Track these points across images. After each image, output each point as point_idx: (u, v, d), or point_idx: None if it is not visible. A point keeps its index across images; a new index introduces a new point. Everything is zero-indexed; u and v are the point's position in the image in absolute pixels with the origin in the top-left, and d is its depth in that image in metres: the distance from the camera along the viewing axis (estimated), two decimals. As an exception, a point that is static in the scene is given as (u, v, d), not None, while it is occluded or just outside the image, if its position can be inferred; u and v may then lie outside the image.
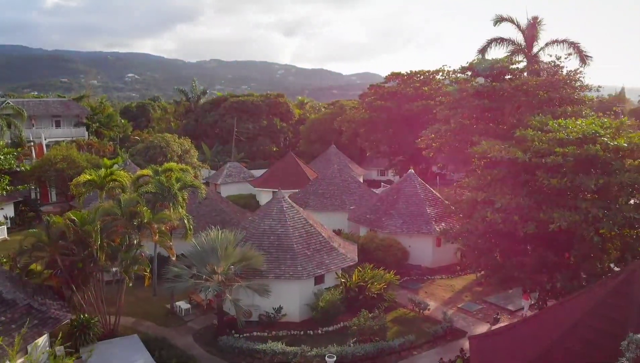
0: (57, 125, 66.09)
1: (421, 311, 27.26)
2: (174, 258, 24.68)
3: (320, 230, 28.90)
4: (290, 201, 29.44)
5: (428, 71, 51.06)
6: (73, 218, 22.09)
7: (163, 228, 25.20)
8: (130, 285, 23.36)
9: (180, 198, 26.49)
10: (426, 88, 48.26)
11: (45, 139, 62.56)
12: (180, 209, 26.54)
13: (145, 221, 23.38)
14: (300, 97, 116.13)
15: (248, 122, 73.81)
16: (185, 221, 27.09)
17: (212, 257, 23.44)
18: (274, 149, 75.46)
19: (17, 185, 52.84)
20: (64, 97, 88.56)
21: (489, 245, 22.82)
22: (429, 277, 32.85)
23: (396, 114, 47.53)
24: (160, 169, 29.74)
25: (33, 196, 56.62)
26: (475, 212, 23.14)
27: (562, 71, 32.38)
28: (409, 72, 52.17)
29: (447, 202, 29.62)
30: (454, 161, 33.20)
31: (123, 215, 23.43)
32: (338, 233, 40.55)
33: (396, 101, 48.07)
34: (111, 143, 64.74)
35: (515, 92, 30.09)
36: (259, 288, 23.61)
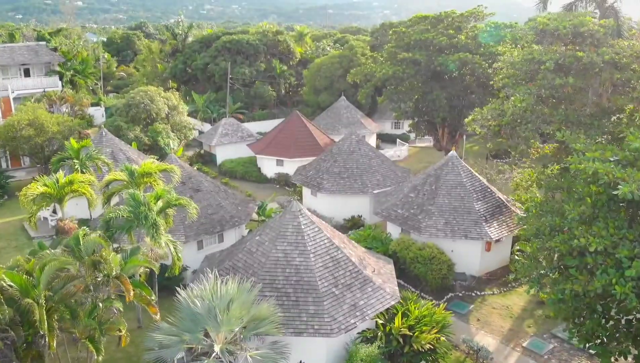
0: (27, 74, 57.28)
1: (481, 360, 21.32)
2: (157, 317, 18.13)
3: (349, 251, 22.26)
4: (308, 213, 22.50)
5: (462, 14, 42.23)
6: (10, 283, 15.27)
7: (140, 273, 18.52)
8: (100, 359, 17.08)
9: (162, 226, 19.51)
10: (463, 36, 39.75)
11: (13, 92, 54.14)
12: (163, 240, 19.64)
13: (113, 274, 16.62)
14: (299, 27, 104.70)
15: (244, 65, 64.76)
16: (172, 249, 20.35)
17: (210, 321, 16.92)
18: (274, 95, 66.97)
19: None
20: (40, 32, 78.31)
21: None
22: (478, 293, 26.72)
23: (425, 68, 39.38)
24: (137, 172, 22.52)
25: (4, 164, 49.42)
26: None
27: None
28: (438, 14, 43.33)
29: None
30: (519, 149, 25.89)
31: (83, 264, 16.65)
32: (358, 220, 34.20)
33: (425, 53, 39.73)
34: (88, 97, 56.21)
35: (608, 66, 22.38)
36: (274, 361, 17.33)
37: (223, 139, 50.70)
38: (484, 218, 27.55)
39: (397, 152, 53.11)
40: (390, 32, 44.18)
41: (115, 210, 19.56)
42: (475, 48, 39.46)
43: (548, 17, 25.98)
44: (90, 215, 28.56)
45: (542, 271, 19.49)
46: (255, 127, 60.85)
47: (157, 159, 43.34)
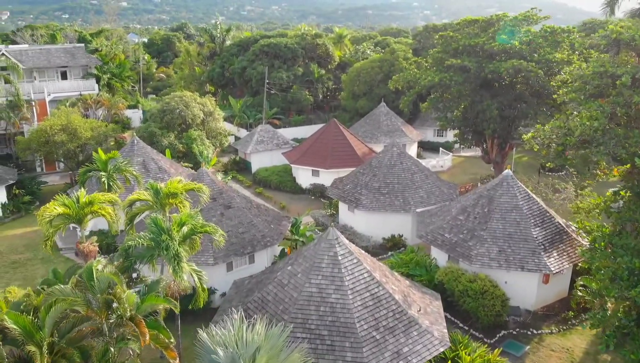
0: (64, 77, 57.10)
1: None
2: (176, 361, 16.25)
3: (392, 286, 19.88)
4: (346, 242, 20.23)
5: (515, 17, 39.07)
6: (11, 325, 13.65)
7: (161, 309, 16.68)
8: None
9: (185, 257, 17.58)
10: (517, 42, 36.62)
11: (49, 95, 53.98)
12: (186, 271, 17.73)
13: (127, 315, 14.81)
14: (338, 29, 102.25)
15: (281, 70, 62.96)
16: (196, 280, 18.44)
17: (234, 372, 14.89)
18: (311, 100, 64.89)
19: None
20: (81, 33, 78.84)
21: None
22: (534, 332, 23.84)
23: (475, 75, 36.46)
24: (162, 192, 20.76)
25: (39, 167, 49.20)
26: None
27: None
28: (489, 17, 40.34)
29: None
30: (587, 173, 22.90)
31: (96, 302, 14.91)
32: (399, 240, 31.77)
33: (475, 59, 36.86)
34: (123, 100, 55.50)
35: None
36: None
37: (258, 146, 49.03)
38: (542, 246, 24.64)
39: (440, 162, 50.25)
40: (437, 36, 41.37)
41: (135, 237, 17.82)
42: (529, 54, 36.30)
43: (621, 24, 22.88)
44: (119, 229, 27.18)
45: (617, 324, 16.73)
46: (292, 133, 59.06)
47: (191, 168, 42.41)
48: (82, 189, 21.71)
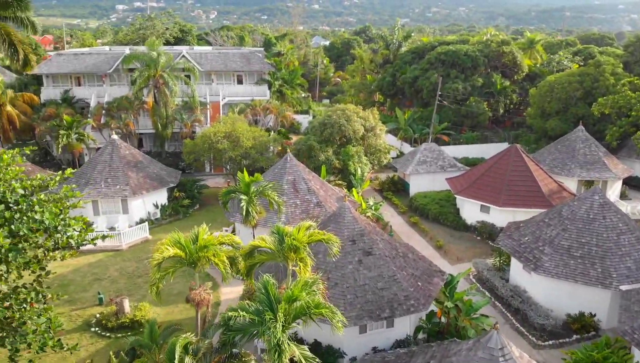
0: (239, 81, 58.41)
1: None
2: None
3: None
4: (515, 354, 14.29)
5: None
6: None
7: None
8: None
9: (286, 349, 13.48)
10: None
11: (224, 98, 55.56)
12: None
13: None
14: (529, 34, 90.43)
15: (457, 80, 56.30)
16: (306, 370, 14.35)
17: None
18: (489, 114, 57.16)
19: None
20: (267, 35, 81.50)
21: None
22: None
23: None
24: (288, 240, 17.10)
25: (207, 168, 50.71)
26: None
27: None
28: None
29: None
30: None
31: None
32: (589, 322, 24.16)
33: None
34: (291, 109, 54.68)
35: None
36: None
37: (419, 167, 43.70)
38: None
39: (653, 208, 39.33)
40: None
41: (238, 308, 14.40)
42: None
43: None
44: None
45: None
46: (461, 151, 52.61)
47: (345, 186, 39.08)
48: (205, 225, 19.15)
